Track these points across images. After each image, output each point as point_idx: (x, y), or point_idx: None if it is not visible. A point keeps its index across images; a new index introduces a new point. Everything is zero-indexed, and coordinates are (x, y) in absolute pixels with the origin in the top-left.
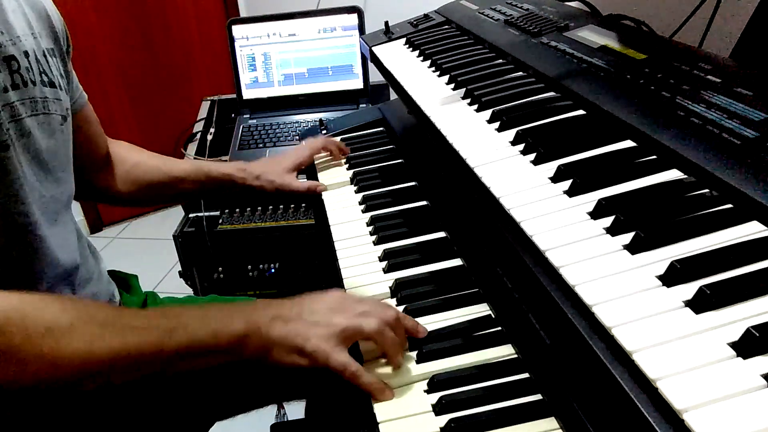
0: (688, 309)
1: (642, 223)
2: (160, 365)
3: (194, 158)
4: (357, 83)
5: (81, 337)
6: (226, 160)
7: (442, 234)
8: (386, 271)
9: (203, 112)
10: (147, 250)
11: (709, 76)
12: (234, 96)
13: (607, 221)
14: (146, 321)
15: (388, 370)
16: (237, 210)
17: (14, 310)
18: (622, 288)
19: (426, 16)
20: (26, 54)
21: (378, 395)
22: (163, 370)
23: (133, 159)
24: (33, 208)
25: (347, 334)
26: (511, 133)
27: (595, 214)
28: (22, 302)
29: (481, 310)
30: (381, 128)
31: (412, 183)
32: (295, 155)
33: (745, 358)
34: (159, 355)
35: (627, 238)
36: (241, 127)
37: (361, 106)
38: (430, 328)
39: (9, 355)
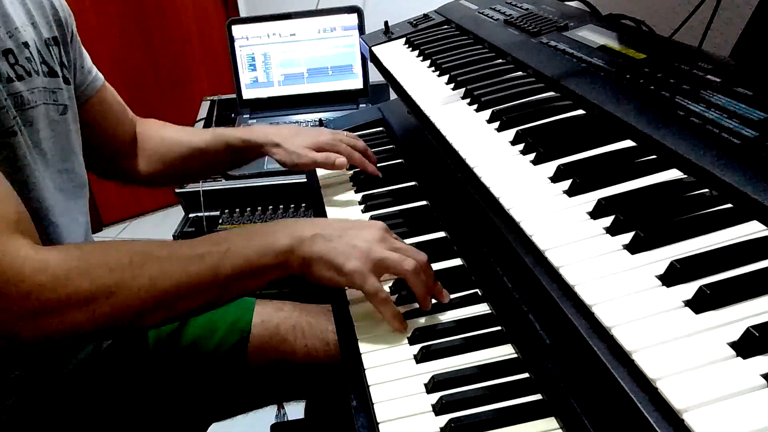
0: (687, 309)
1: (642, 222)
2: (217, 290)
3: None
4: (357, 83)
5: (144, 272)
6: None
7: (442, 234)
8: None
9: (203, 112)
10: None
11: (709, 76)
12: (234, 96)
13: (607, 221)
14: (201, 248)
15: (389, 362)
16: (237, 210)
17: (76, 259)
18: (621, 288)
19: (426, 16)
20: (26, 45)
21: (397, 325)
22: (220, 295)
23: (159, 136)
24: (44, 193)
25: (384, 264)
26: (510, 133)
27: (595, 213)
28: (81, 250)
29: (481, 309)
30: (381, 128)
31: (412, 183)
32: (317, 136)
33: (744, 357)
34: (216, 280)
35: (627, 237)
36: (241, 127)
37: (361, 106)
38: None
39: (79, 299)
